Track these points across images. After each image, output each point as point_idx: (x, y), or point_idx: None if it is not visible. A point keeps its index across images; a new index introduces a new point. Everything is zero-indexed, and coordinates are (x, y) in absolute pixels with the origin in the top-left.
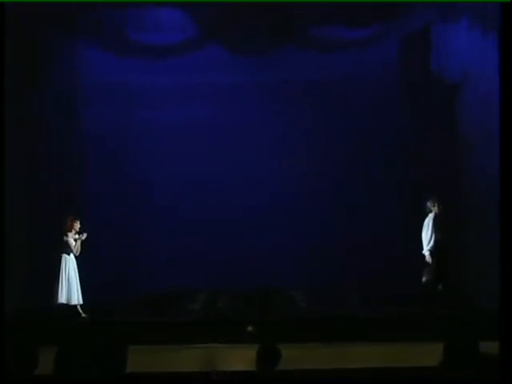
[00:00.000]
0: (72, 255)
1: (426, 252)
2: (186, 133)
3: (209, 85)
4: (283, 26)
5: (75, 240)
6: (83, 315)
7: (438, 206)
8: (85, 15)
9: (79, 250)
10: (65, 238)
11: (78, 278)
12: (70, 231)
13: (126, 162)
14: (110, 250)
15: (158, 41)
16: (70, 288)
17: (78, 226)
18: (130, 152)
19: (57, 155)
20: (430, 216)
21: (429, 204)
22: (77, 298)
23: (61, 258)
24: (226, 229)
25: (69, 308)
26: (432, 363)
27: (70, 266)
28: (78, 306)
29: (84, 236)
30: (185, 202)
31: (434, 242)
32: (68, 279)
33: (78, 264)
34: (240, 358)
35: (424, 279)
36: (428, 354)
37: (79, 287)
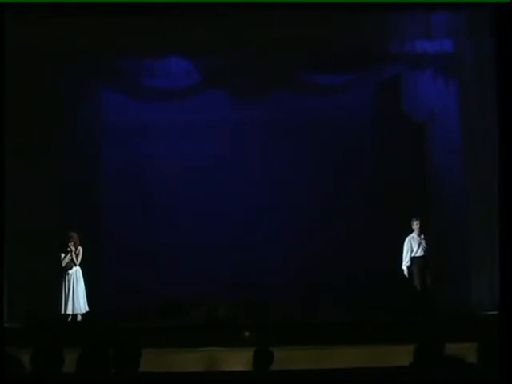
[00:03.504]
0: (74, 268)
1: (404, 267)
2: (192, 163)
3: (212, 123)
4: (274, 73)
5: (66, 253)
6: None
7: (417, 226)
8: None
9: (69, 261)
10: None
11: (76, 288)
12: (66, 245)
13: (137, 183)
14: (116, 261)
15: (168, 85)
16: (68, 299)
17: (73, 240)
18: (140, 176)
19: (68, 174)
20: (412, 235)
21: (412, 223)
22: (71, 308)
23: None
24: (225, 245)
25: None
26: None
27: (67, 278)
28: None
29: (78, 250)
30: (188, 220)
31: (410, 258)
32: (69, 290)
33: (83, 274)
34: (238, 360)
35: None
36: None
37: (80, 296)
